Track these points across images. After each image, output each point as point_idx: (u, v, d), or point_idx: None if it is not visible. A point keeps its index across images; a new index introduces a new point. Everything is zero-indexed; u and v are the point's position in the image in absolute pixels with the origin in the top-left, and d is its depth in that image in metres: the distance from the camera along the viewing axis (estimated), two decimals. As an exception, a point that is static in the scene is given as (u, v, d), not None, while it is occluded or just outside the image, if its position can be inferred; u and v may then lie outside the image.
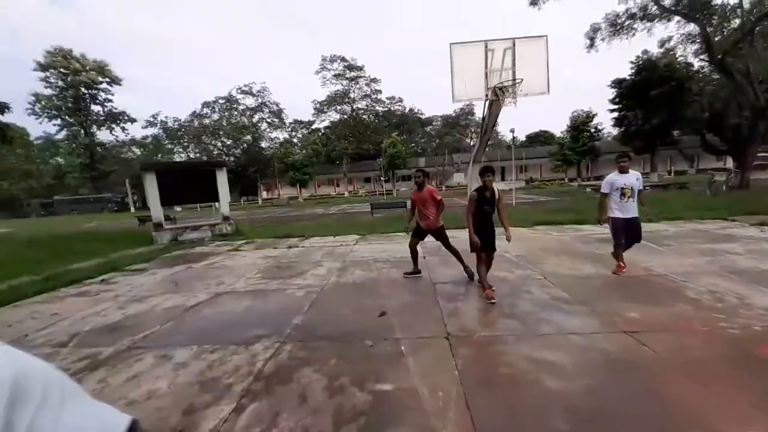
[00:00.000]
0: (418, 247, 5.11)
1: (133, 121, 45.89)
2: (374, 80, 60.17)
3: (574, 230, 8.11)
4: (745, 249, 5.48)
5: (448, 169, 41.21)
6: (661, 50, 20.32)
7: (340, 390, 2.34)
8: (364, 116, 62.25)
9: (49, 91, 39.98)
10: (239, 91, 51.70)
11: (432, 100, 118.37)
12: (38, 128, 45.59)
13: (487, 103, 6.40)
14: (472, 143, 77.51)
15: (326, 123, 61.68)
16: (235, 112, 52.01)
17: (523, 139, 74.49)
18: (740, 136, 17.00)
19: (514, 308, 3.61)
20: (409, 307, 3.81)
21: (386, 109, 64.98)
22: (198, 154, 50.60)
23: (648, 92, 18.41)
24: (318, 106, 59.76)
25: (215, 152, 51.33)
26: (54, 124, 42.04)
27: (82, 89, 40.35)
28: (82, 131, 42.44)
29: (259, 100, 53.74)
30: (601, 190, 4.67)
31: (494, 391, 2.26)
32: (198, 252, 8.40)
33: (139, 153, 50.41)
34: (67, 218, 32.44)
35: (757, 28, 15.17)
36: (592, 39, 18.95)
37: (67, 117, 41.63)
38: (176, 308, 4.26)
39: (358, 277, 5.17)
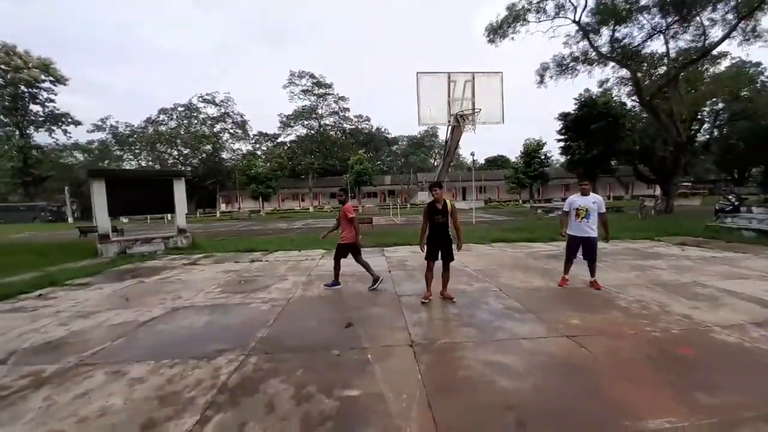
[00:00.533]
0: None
1: (77, 123, 42.29)
2: (342, 98, 61.06)
3: (527, 247, 8.76)
4: (668, 265, 6.30)
5: (413, 188, 42.37)
6: (600, 90, 23.06)
7: (308, 398, 2.39)
8: (331, 132, 62.54)
9: (-18, 88, 35.89)
10: (201, 99, 49.88)
11: (398, 120, 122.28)
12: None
13: (450, 128, 6.94)
14: (435, 163, 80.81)
15: (292, 137, 61.06)
16: (195, 121, 49.91)
17: (483, 162, 79.04)
18: (666, 168, 19.51)
19: (472, 318, 3.87)
20: (375, 319, 3.93)
21: (354, 126, 65.93)
22: (151, 163, 47.50)
23: (589, 126, 20.70)
24: (284, 119, 59.17)
25: (170, 161, 48.54)
26: (-18, 124, 37.56)
27: (22, 87, 36.70)
28: (17, 132, 38.26)
29: (222, 110, 52.14)
30: (563, 209, 5.14)
31: (454, 392, 2.44)
32: (150, 266, 7.88)
33: (82, 158, 46.24)
34: (-12, 228, 28.54)
35: (681, 75, 17.81)
36: (541, 76, 21.02)
37: (1, 117, 37.41)
38: (128, 324, 4.01)
39: (323, 291, 5.20)
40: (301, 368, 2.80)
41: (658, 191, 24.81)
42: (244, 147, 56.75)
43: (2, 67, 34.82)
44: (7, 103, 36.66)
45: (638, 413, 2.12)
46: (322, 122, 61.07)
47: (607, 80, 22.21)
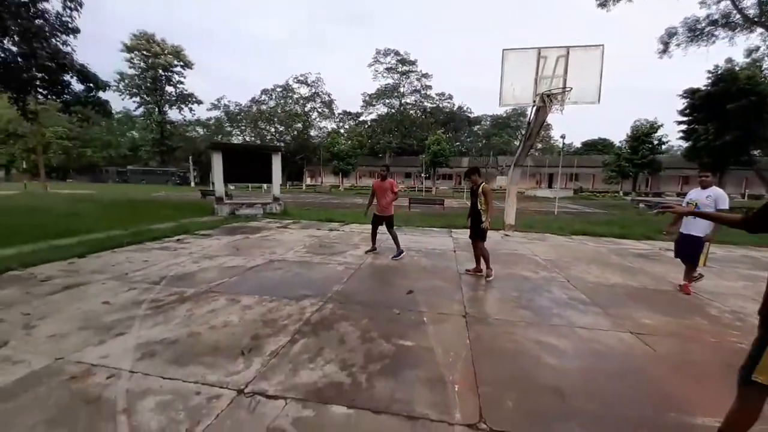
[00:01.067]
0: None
1: (199, 102, 50.20)
2: (425, 75, 59.99)
3: (613, 243, 7.98)
4: None
5: (492, 171, 40.26)
6: (748, 60, 18.27)
7: (371, 340, 2.90)
8: (411, 111, 62.39)
9: (131, 71, 45.01)
10: (296, 80, 54.23)
11: (482, 99, 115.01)
12: (120, 104, 51.34)
13: (534, 108, 6.56)
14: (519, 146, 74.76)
15: (373, 116, 62.78)
16: (290, 101, 54.68)
17: (579, 145, 70.22)
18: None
19: (531, 302, 3.94)
20: (434, 290, 4.28)
21: (435, 105, 64.55)
22: (253, 138, 54.08)
23: (724, 105, 16.69)
24: (367, 98, 60.94)
25: (268, 137, 54.53)
26: (134, 101, 47.35)
27: (160, 71, 44.89)
28: (156, 109, 47.28)
29: (313, 90, 55.98)
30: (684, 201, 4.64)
31: (497, 358, 2.69)
32: (253, 226, 9.45)
33: (201, 132, 54.98)
34: (138, 186, 36.56)
35: None
36: (666, 44, 17.64)
37: (144, 96, 46.61)
38: (239, 267, 5.09)
39: (391, 261, 5.71)
40: (366, 318, 3.34)
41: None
42: (329, 125, 60.51)
43: (144, 53, 42.80)
44: (149, 84, 45.26)
45: (687, 410, 2.10)
46: (403, 101, 61.23)
47: (757, 49, 17.47)
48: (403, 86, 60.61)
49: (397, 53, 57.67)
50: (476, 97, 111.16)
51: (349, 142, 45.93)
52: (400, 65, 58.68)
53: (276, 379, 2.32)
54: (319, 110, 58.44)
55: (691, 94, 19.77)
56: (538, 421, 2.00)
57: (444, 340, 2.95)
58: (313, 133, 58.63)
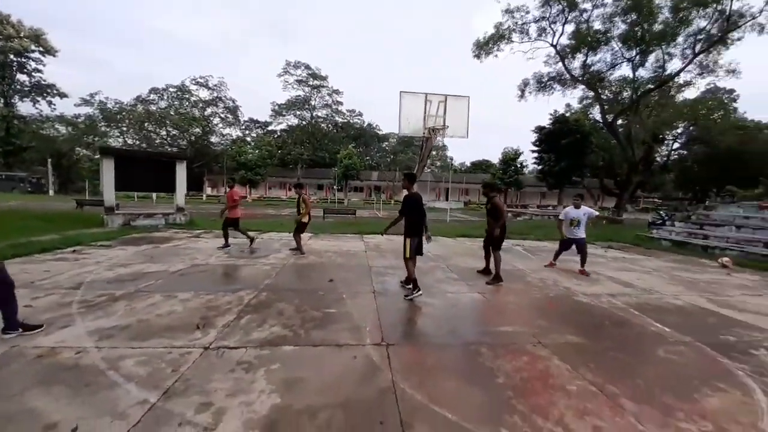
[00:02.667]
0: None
1: (63, 96, 41.48)
2: (336, 92, 61.89)
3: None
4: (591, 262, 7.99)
5: (398, 185, 43.85)
6: (580, 106, 25.04)
7: (303, 311, 3.82)
8: (322, 125, 63.33)
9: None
10: (194, 82, 49.68)
11: (390, 119, 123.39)
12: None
13: (424, 139, 8.43)
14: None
15: (283, 126, 61.57)
16: (187, 103, 49.69)
17: (469, 164, 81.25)
18: (621, 183, 21.72)
19: (420, 281, 5.36)
20: (350, 278, 5.36)
21: (345, 120, 66.86)
22: (138, 142, 47.08)
23: (560, 140, 22.71)
24: (276, 108, 59.54)
25: (157, 141, 48.23)
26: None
27: (11, 56, 35.91)
28: (2, 100, 37.38)
29: (215, 94, 52.08)
30: (559, 217, 6.88)
31: (395, 312, 3.92)
32: (159, 236, 9.04)
33: (64, 131, 45.34)
34: (-34, 194, 28.15)
35: (644, 100, 19.91)
36: (522, 91, 22.81)
37: (-17, 84, 36.47)
38: (161, 272, 5.29)
39: (312, 261, 6.59)
40: (298, 299, 4.22)
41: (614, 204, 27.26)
42: (234, 132, 56.85)
43: (-7, 35, 34.01)
44: (-8, 71, 35.80)
45: (497, 325, 3.65)
46: (314, 114, 61.75)
47: (587, 97, 24.23)
48: (315, 100, 61.27)
49: (307, 67, 58.21)
50: (384, 117, 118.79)
51: (257, 151, 44.13)
52: (311, 79, 59.34)
53: (233, 339, 3.07)
54: (222, 116, 54.56)
55: (539, 130, 26.00)
56: (417, 337, 3.26)
57: (358, 307, 4.05)
58: (214, 139, 54.23)
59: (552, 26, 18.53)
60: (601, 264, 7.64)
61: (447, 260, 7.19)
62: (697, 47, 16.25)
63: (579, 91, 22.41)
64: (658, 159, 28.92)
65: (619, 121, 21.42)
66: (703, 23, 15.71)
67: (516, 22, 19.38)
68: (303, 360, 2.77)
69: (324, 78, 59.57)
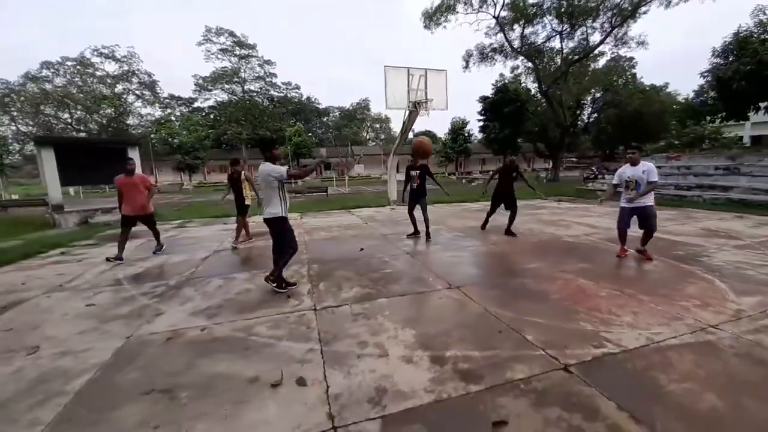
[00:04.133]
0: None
1: None
2: (268, 62, 57.39)
3: (459, 206, 11.49)
4: (549, 212, 9.48)
5: (350, 161, 43.60)
6: (511, 75, 27.14)
7: (364, 274, 4.31)
8: (257, 99, 58.94)
9: None
10: (96, 53, 42.23)
11: (329, 91, 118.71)
12: None
13: (408, 112, 8.88)
14: (367, 137, 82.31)
15: (211, 102, 56.19)
16: (92, 79, 42.43)
17: (412, 136, 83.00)
18: (554, 145, 24.63)
19: (438, 240, 6.10)
20: (377, 245, 5.88)
21: (282, 94, 62.92)
22: (32, 128, 39.42)
23: (502, 109, 24.68)
24: (201, 82, 53.76)
25: (58, 126, 40.94)
26: None
27: None
28: None
29: (126, 68, 45.08)
30: (612, 181, 4.94)
31: (440, 266, 4.61)
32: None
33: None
34: None
35: (570, 69, 22.31)
36: (467, 62, 23.97)
37: None
38: (191, 260, 5.27)
39: (328, 235, 6.92)
40: (349, 266, 4.67)
41: (551, 165, 30.85)
42: (156, 112, 50.40)
43: None
44: None
45: (528, 266, 4.55)
46: (246, 87, 57.00)
47: (518, 67, 26.34)
48: (244, 71, 56.38)
49: (232, 34, 52.70)
50: (323, 89, 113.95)
51: (185, 132, 39.87)
52: (237, 48, 54.13)
53: (330, 300, 3.50)
54: (138, 93, 47.76)
55: (483, 100, 27.76)
56: (473, 279, 4.00)
57: (406, 265, 4.66)
58: (131, 121, 47.66)
59: (494, -1, 19.55)
60: (562, 213, 9.15)
61: (444, 223, 8.03)
62: (614, 21, 18.61)
63: (518, 62, 24.23)
64: (580, 122, 32.87)
65: (551, 90, 23.91)
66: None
67: (460, -7, 20.02)
68: (402, 306, 3.34)
69: (252, 47, 54.59)
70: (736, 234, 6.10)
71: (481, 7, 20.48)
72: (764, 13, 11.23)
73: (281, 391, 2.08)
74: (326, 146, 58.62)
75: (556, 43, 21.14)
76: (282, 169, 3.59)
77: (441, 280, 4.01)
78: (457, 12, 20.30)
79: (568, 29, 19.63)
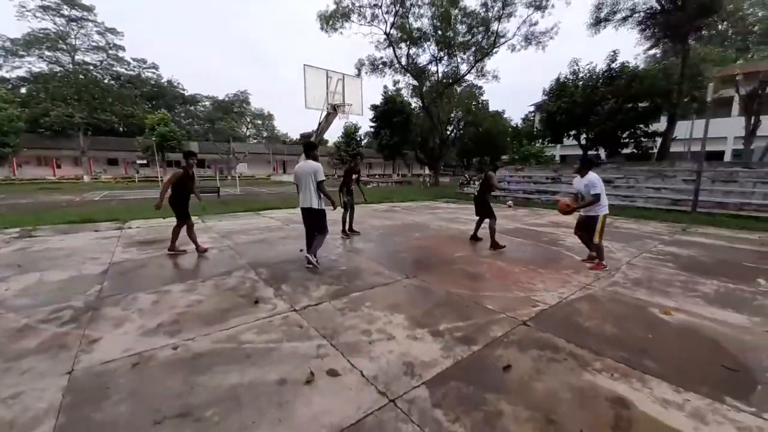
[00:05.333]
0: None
1: None
2: (112, 30, 46.32)
3: (370, 207, 12.18)
4: (445, 211, 11.09)
5: (232, 158, 39.23)
6: (393, 88, 29.77)
7: (321, 273, 4.36)
8: (96, 74, 46.59)
9: None
10: None
11: (199, 79, 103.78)
12: None
13: (325, 113, 8.96)
14: (248, 133, 75.64)
15: (22, 72, 41.93)
16: None
17: (299, 137, 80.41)
18: (434, 155, 28.39)
19: (369, 237, 6.51)
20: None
21: (134, 73, 51.77)
22: None
23: (392, 118, 26.95)
24: (7, 44, 39.41)
25: None
26: None
27: None
28: None
29: None
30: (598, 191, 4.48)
31: (370, 251, 5.03)
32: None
33: None
34: None
35: (445, 91, 25.98)
36: (359, 70, 25.13)
37: None
38: (83, 277, 4.18)
39: (260, 237, 6.43)
40: (298, 269, 4.61)
41: (426, 171, 35.30)
42: None
43: None
44: None
45: (448, 256, 5.42)
46: (77, 58, 44.41)
47: (398, 81, 29.07)
48: (76, 38, 44.12)
49: (56, -13, 40.56)
50: (191, 74, 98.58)
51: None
52: (66, 6, 41.90)
53: (304, 301, 3.49)
54: None
55: (374, 108, 29.61)
56: (404, 264, 4.59)
57: (353, 260, 4.90)
58: None
59: (385, 15, 21.22)
60: (455, 212, 10.89)
61: (364, 223, 8.49)
62: (477, 56, 22.83)
63: (400, 77, 26.82)
64: (451, 136, 38.64)
65: (431, 106, 27.44)
66: (479, 38, 22.11)
67: (354, 2, 20.95)
68: (378, 297, 3.62)
69: (88, 8, 43.13)
70: (570, 225, 8.61)
71: (372, 21, 21.91)
72: (577, 65, 16.16)
73: (319, 385, 2.13)
74: (197, 140, 51.13)
75: (435, 67, 24.42)
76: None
77: (394, 271, 4.45)
78: (353, 21, 21.17)
79: (446, 57, 23.02)
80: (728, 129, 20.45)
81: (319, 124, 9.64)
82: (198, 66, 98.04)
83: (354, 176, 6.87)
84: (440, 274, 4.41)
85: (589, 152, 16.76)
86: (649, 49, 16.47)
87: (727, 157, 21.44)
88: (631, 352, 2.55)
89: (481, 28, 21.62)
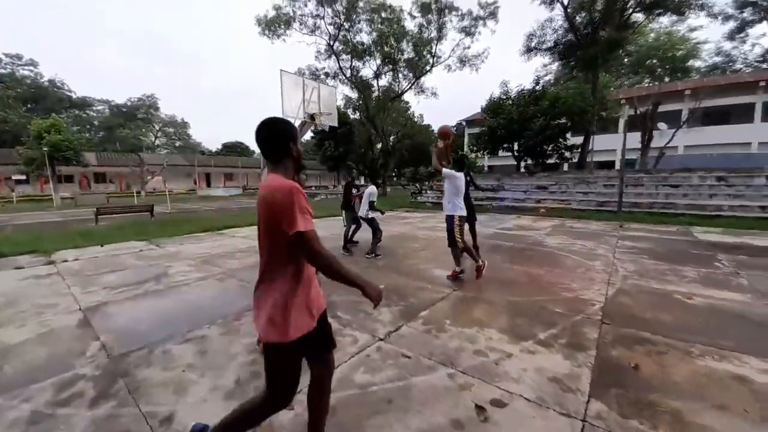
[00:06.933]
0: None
1: None
2: (-30, 18, 36.99)
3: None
4: (417, 220, 11.27)
5: (136, 170, 33.79)
6: (341, 102, 29.66)
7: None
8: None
9: None
10: None
11: (93, 80, 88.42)
12: None
13: (300, 122, 8.41)
14: (157, 142, 66.65)
15: None
16: None
17: (220, 147, 73.76)
18: (376, 165, 28.86)
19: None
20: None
21: (5, 70, 41.90)
22: None
23: (336, 129, 26.62)
24: None
25: None
26: None
27: None
28: None
29: None
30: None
31: (394, 266, 4.89)
32: None
33: None
34: None
35: (391, 104, 26.68)
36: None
37: None
38: (55, 335, 3.14)
39: (245, 264, 5.62)
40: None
41: (362, 181, 35.79)
42: None
43: None
44: None
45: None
46: None
47: (338, 91, 29.15)
48: None
49: None
50: (80, 72, 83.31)
51: None
52: None
53: (379, 329, 3.17)
54: None
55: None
56: (435, 276, 4.57)
57: (382, 275, 4.65)
58: None
59: (328, 27, 21.06)
60: (427, 219, 11.17)
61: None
62: (416, 73, 24.11)
63: (342, 88, 26.85)
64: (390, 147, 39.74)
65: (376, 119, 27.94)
66: (418, 58, 23.42)
67: (295, 11, 20.38)
68: (445, 311, 3.48)
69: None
70: (531, 227, 9.51)
71: (314, 31, 21.55)
72: (506, 86, 18.27)
73: (497, 419, 1.94)
74: (94, 150, 43.18)
75: (379, 81, 25.02)
76: None
77: (435, 284, 4.35)
78: (294, 29, 20.51)
79: (391, 72, 23.77)
80: (617, 143, 25.34)
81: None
82: (94, 65, 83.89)
83: (354, 191, 6.66)
84: (478, 284, 4.44)
85: (523, 162, 18.92)
86: (569, 75, 19.52)
87: (617, 165, 26.43)
88: (705, 336, 2.90)
89: (422, 48, 22.94)
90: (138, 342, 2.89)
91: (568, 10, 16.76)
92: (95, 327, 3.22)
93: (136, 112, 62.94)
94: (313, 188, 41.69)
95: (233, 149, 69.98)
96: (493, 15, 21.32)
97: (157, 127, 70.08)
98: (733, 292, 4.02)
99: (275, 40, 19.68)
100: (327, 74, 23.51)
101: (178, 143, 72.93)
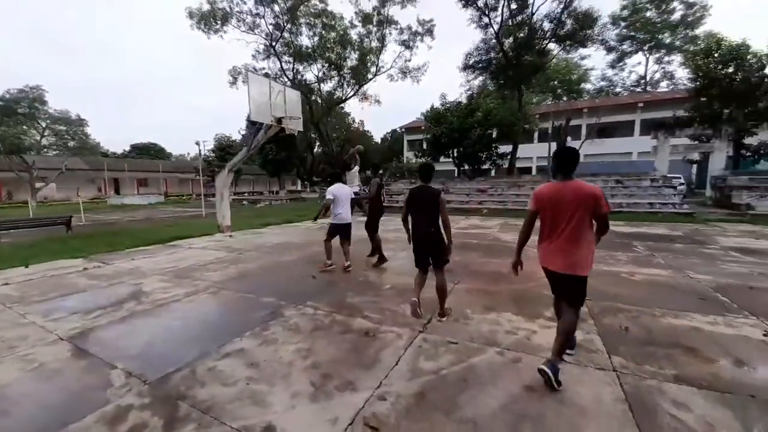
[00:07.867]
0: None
1: None
2: None
3: (295, 226, 11.42)
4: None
5: (24, 175, 27.79)
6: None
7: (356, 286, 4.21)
8: None
9: None
10: None
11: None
12: None
13: (266, 125, 8.06)
14: (44, 142, 55.58)
15: None
16: None
17: (128, 148, 64.56)
18: (312, 171, 28.49)
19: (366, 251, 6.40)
20: (335, 273, 5.38)
21: None
22: None
23: (277, 134, 25.53)
24: None
25: None
26: None
27: None
28: None
29: None
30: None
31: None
32: None
33: None
34: None
35: (334, 110, 26.51)
36: (235, 78, 23.01)
37: None
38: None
39: (233, 273, 5.29)
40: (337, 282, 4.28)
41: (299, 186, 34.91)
42: None
43: None
44: None
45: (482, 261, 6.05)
46: None
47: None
48: None
49: None
50: None
51: None
52: None
53: (439, 333, 3.40)
54: None
55: (252, 123, 27.32)
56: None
57: (394, 277, 4.88)
58: None
59: (269, 27, 20.29)
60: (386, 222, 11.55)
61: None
62: (360, 81, 24.58)
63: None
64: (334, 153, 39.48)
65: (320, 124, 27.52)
66: (361, 67, 23.93)
67: (232, 7, 19.24)
68: (463, 301, 3.86)
69: None
70: (484, 226, 10.57)
71: (253, 29, 20.58)
72: (445, 98, 19.81)
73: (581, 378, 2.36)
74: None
75: (323, 86, 24.82)
76: None
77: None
78: (231, 25, 19.31)
79: (337, 78, 23.77)
80: (533, 151, 29.17)
81: (254, 136, 8.56)
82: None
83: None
84: (474, 276, 4.94)
85: (462, 168, 20.65)
86: (498, 91, 21.95)
87: (533, 171, 30.37)
88: (657, 302, 3.76)
89: (366, 57, 23.45)
90: (170, 364, 2.67)
91: (499, 35, 19.00)
92: (100, 355, 2.85)
93: (15, 106, 51.87)
94: (255, 193, 38.98)
95: (145, 151, 61.98)
96: (429, 32, 22.93)
97: (44, 125, 58.78)
98: (658, 269, 5.19)
99: (211, 36, 18.25)
100: (267, 75, 22.51)
101: (71, 143, 62.15)
